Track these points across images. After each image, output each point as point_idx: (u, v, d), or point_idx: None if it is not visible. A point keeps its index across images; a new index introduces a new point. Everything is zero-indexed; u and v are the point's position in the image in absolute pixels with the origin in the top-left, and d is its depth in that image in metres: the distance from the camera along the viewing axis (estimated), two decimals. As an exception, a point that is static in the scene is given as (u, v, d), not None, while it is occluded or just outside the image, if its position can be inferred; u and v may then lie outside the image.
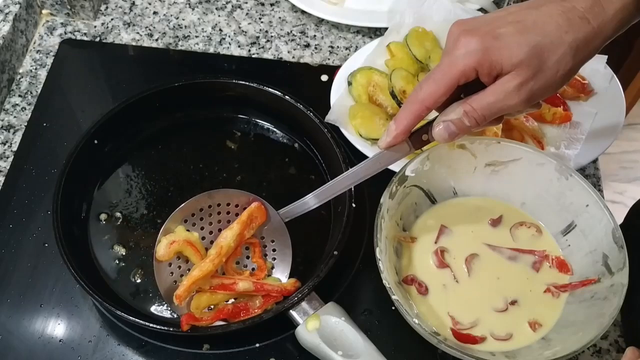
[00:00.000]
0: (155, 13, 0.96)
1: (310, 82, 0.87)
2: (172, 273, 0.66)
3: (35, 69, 0.89)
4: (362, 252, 0.73)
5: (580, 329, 0.61)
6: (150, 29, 0.94)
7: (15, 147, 0.81)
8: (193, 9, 0.96)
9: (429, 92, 0.57)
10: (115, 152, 0.78)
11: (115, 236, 0.73)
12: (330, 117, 0.78)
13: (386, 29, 0.87)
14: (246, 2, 0.97)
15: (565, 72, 0.55)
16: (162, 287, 0.65)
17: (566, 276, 0.67)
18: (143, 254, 0.72)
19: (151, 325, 0.63)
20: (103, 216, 0.74)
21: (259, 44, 0.92)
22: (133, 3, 0.97)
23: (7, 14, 0.86)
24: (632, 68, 1.41)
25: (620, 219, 0.64)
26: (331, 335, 0.62)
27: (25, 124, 0.83)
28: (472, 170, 0.71)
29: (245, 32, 0.94)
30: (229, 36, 0.93)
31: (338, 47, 0.92)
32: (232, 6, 0.96)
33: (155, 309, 0.69)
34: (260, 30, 0.94)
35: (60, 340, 0.68)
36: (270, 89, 0.77)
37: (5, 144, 0.82)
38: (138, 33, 0.93)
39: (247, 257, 0.68)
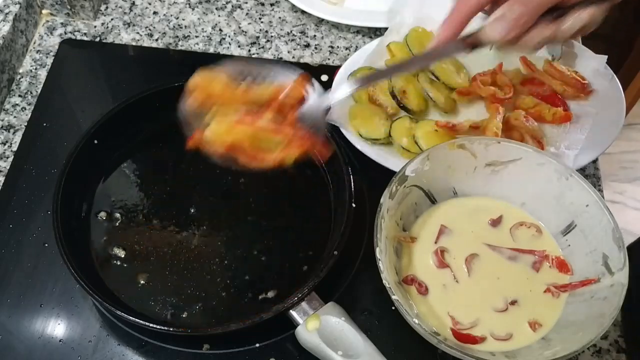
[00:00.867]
0: (155, 13, 0.96)
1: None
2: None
3: (35, 69, 0.89)
4: (362, 252, 0.73)
5: (580, 329, 0.61)
6: (150, 29, 0.94)
7: (15, 147, 0.81)
8: (193, 9, 0.96)
9: None
10: (115, 152, 0.78)
11: (115, 236, 0.73)
12: (330, 117, 0.78)
13: (386, 29, 0.87)
14: (246, 2, 0.97)
15: None
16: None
17: (566, 276, 0.67)
18: (143, 254, 0.72)
19: (151, 325, 0.63)
20: (103, 216, 0.74)
21: (259, 44, 0.92)
22: (133, 3, 0.97)
23: (7, 14, 0.86)
24: (632, 68, 1.41)
25: (620, 219, 0.64)
26: (331, 335, 0.62)
27: (25, 124, 0.83)
28: (472, 170, 0.71)
29: (245, 32, 0.94)
30: (229, 36, 0.93)
31: (338, 47, 0.92)
32: (232, 6, 0.97)
33: (155, 309, 0.69)
34: (260, 30, 0.94)
35: (60, 340, 0.68)
36: (270, 89, 0.77)
37: (5, 144, 0.82)
38: (138, 33, 0.93)
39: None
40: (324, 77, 0.87)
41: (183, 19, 0.95)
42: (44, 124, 0.83)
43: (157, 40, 0.93)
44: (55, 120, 0.83)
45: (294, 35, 0.93)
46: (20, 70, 0.89)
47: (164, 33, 0.93)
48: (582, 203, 0.66)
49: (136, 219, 0.74)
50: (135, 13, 0.95)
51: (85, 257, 0.71)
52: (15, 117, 0.84)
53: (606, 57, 0.80)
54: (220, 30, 0.94)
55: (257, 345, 0.67)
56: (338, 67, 0.86)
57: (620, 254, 0.62)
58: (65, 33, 0.93)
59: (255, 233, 0.73)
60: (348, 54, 0.90)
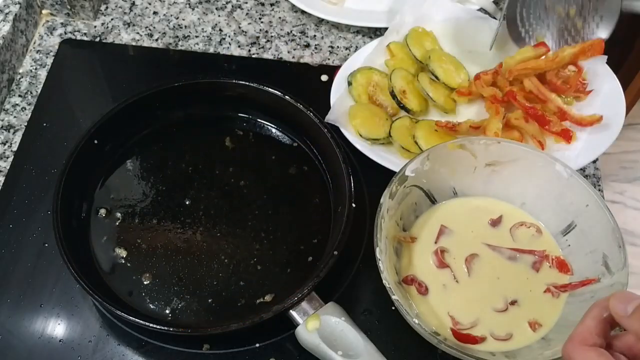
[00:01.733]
0: (155, 13, 0.96)
1: (310, 82, 0.87)
2: None
3: (35, 69, 0.89)
4: (362, 252, 0.73)
5: (580, 329, 0.61)
6: (150, 29, 0.94)
7: (15, 147, 0.81)
8: (193, 9, 0.96)
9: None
10: (115, 152, 0.78)
11: (115, 236, 0.73)
12: (330, 117, 0.78)
13: (386, 29, 0.87)
14: (246, 2, 0.97)
15: None
16: None
17: (566, 276, 0.67)
18: (143, 254, 0.72)
19: (151, 325, 0.63)
20: (103, 215, 0.74)
21: (259, 44, 0.92)
22: (133, 3, 0.97)
23: (7, 14, 0.86)
24: (632, 68, 1.41)
25: (620, 219, 0.64)
26: (331, 335, 0.62)
27: (25, 124, 0.83)
28: (472, 170, 0.71)
29: (245, 32, 0.94)
30: (229, 36, 0.93)
31: (338, 47, 0.92)
32: (232, 6, 0.97)
33: (155, 309, 0.69)
34: (260, 30, 0.94)
35: (60, 340, 0.68)
36: (270, 89, 0.77)
37: (5, 144, 0.82)
38: (138, 33, 0.93)
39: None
40: (324, 77, 0.87)
41: (183, 19, 0.95)
42: (44, 124, 0.83)
43: (157, 40, 0.93)
44: (55, 120, 0.83)
45: (294, 35, 0.93)
46: (20, 70, 0.89)
47: (164, 33, 0.93)
48: (582, 203, 0.66)
49: (136, 219, 0.74)
50: (135, 13, 0.95)
51: (85, 257, 0.71)
52: (15, 117, 0.84)
53: (606, 57, 0.80)
54: (220, 30, 0.94)
55: (257, 345, 0.67)
56: (338, 67, 0.86)
57: (620, 254, 0.62)
58: (65, 33, 0.93)
59: (256, 233, 0.73)
60: (348, 54, 0.90)
